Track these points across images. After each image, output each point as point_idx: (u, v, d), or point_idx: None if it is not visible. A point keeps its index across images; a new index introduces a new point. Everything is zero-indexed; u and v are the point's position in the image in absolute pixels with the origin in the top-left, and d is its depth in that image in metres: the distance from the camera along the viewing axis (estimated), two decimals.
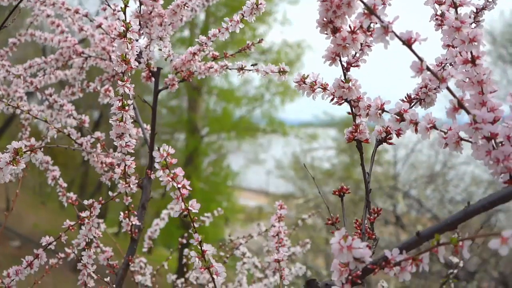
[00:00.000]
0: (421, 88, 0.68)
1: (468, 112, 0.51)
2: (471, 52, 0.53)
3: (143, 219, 1.01)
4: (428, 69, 0.50)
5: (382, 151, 9.20)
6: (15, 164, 0.67)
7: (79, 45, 1.19)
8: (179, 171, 0.62)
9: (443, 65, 0.68)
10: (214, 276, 0.64)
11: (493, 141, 0.52)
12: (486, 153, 0.51)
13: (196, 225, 0.66)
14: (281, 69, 0.82)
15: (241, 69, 0.94)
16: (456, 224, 0.50)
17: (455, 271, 1.14)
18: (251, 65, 0.94)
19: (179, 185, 0.62)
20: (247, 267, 1.28)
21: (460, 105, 0.51)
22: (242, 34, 9.96)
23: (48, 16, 1.20)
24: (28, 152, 0.66)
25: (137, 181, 0.90)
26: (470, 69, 0.54)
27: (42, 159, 1.14)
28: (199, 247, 0.64)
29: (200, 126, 11.30)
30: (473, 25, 0.73)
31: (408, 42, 0.50)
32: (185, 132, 11.10)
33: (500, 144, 0.51)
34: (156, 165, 0.62)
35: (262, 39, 0.97)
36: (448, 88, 0.51)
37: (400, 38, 0.50)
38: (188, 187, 0.62)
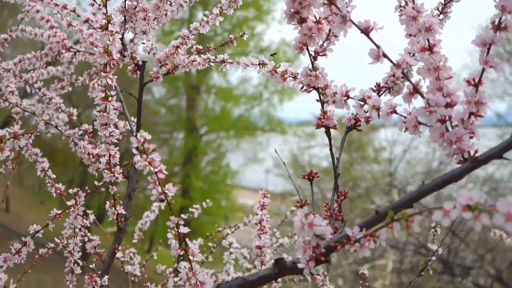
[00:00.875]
0: (389, 76, 0.71)
1: (422, 97, 0.54)
2: (428, 40, 0.56)
3: (129, 209, 1.03)
4: (384, 55, 0.53)
5: (380, 150, 9.24)
6: (0, 151, 0.70)
7: (68, 40, 1.22)
8: (156, 156, 0.65)
9: (411, 54, 0.71)
10: (191, 257, 0.67)
11: (448, 123, 0.55)
12: (440, 135, 0.54)
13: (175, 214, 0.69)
14: (261, 62, 0.85)
15: (222, 62, 0.97)
16: (411, 202, 0.53)
17: (433, 258, 1.16)
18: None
19: (156, 170, 0.65)
20: (233, 257, 1.31)
21: (415, 89, 0.54)
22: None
23: (37, 11, 1.23)
24: (12, 139, 0.69)
25: (121, 171, 0.93)
26: (427, 57, 0.56)
27: (32, 151, 1.17)
28: (176, 230, 0.67)
29: (198, 125, 11.33)
30: (441, 16, 0.76)
31: (366, 31, 0.53)
32: (184, 131, 11.14)
33: (455, 127, 0.54)
34: (134, 151, 0.65)
35: (244, 33, 1.00)
36: (403, 73, 0.54)
37: (358, 27, 0.53)
38: (165, 172, 0.65)
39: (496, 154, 0.50)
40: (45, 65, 1.21)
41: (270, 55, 0.79)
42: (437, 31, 0.55)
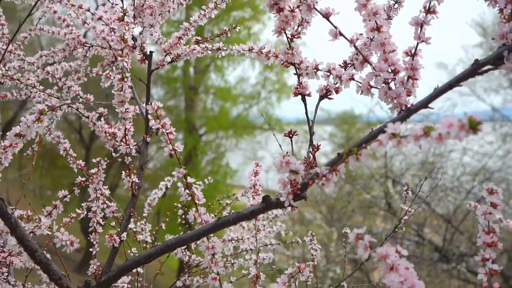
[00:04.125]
0: (353, 55, 0.87)
1: (371, 65, 0.71)
2: (376, 22, 0.73)
3: (142, 178, 1.20)
4: (341, 34, 0.70)
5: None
6: (39, 122, 0.87)
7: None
8: (167, 121, 0.82)
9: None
10: (196, 201, 0.84)
11: (392, 84, 0.72)
12: (384, 93, 0.70)
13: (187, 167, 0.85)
14: (250, 48, 1.01)
15: (218, 49, 1.14)
16: (369, 140, 0.69)
17: (406, 217, 1.33)
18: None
19: (168, 131, 0.82)
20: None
21: (365, 59, 0.71)
22: (237, 33, 10.16)
23: (55, 12, 1.40)
24: (50, 111, 0.85)
25: (135, 144, 1.10)
26: (376, 35, 0.73)
27: (54, 134, 1.34)
28: (184, 180, 0.84)
29: (197, 125, 11.48)
30: (396, 5, 0.92)
31: (326, 15, 0.70)
32: (183, 131, 11.29)
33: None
34: (150, 124, 0.81)
35: (237, 25, 1.17)
36: (355, 47, 0.70)
37: (320, 13, 0.70)
38: (174, 133, 0.82)
39: (424, 104, 0.67)
40: (63, 59, 1.38)
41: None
42: (383, 16, 0.72)
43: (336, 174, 0.69)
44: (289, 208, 0.74)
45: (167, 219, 1.68)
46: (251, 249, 1.36)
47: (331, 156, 11.15)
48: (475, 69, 0.64)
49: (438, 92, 0.65)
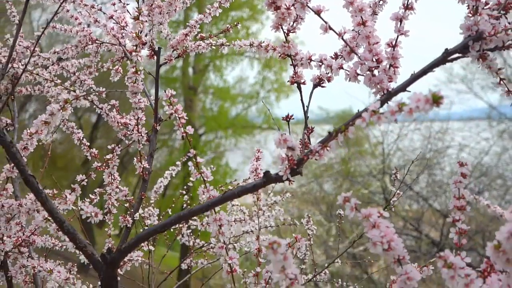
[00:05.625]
0: (343, 47, 0.98)
1: (357, 55, 0.81)
2: (361, 17, 0.83)
3: (151, 164, 1.30)
4: (330, 28, 0.80)
5: (377, 144, 9.54)
6: (63, 110, 0.97)
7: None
8: (179, 107, 0.92)
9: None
10: (205, 178, 0.94)
11: (376, 72, 0.82)
12: (369, 79, 0.81)
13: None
14: (251, 43, 1.12)
15: (222, 45, 1.24)
16: (348, 123, 0.79)
17: (395, 198, 1.43)
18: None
19: (180, 116, 0.92)
20: (235, 208, 1.58)
21: (351, 50, 0.81)
22: (236, 33, 10.27)
23: (68, 11, 1.50)
24: (75, 100, 0.96)
25: (147, 131, 1.20)
26: (362, 29, 0.84)
27: (68, 125, 1.44)
28: (195, 160, 0.94)
29: (197, 125, 11.59)
30: (381, 2, 1.03)
31: (318, 12, 0.80)
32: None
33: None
34: (162, 116, 0.92)
35: (238, 23, 1.28)
36: (343, 39, 0.81)
37: (312, 10, 0.80)
38: (185, 117, 0.92)
39: (402, 88, 0.77)
40: (76, 54, 1.48)
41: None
42: (368, 12, 0.83)
43: (327, 150, 0.80)
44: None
45: (173, 205, 1.78)
46: (251, 231, 1.46)
47: (330, 155, 11.26)
48: (445, 57, 0.74)
49: (414, 78, 0.76)
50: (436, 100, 0.57)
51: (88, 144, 1.40)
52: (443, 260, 0.61)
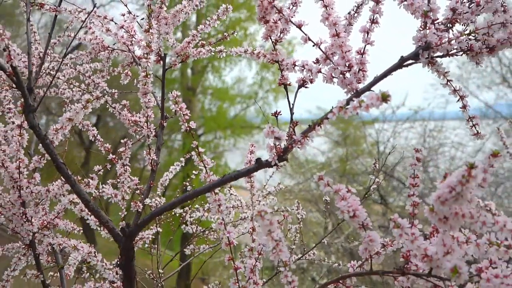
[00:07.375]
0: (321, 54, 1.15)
1: (331, 61, 0.99)
2: (335, 30, 1.01)
3: (159, 157, 1.48)
4: (309, 39, 0.98)
5: (374, 144, 9.72)
6: (85, 109, 1.15)
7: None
8: (183, 105, 1.10)
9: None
10: (206, 165, 1.11)
11: (348, 75, 1.00)
12: (341, 81, 0.98)
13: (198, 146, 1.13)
14: (246, 50, 1.29)
15: (220, 51, 1.42)
16: (324, 117, 0.97)
17: (374, 186, 1.60)
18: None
19: (184, 113, 1.09)
20: (233, 197, 1.76)
21: (327, 57, 0.99)
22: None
23: (82, 21, 1.67)
24: (95, 100, 1.13)
25: (155, 127, 1.38)
26: (336, 39, 1.01)
27: (84, 123, 1.61)
28: (197, 150, 1.11)
29: (196, 126, 11.75)
30: (356, 14, 1.20)
31: (299, 26, 0.98)
32: (181, 132, 11.55)
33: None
34: (170, 107, 1.09)
35: (234, 31, 1.45)
36: (320, 48, 0.98)
37: (294, 24, 0.97)
38: (189, 114, 1.10)
39: (367, 88, 0.94)
40: (90, 60, 1.66)
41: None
42: (342, 24, 1.00)
43: (308, 139, 0.97)
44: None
45: (177, 195, 1.95)
46: (247, 217, 1.63)
47: (329, 154, 11.47)
48: (401, 63, 0.92)
49: (376, 80, 0.93)
50: (384, 98, 0.75)
51: (102, 140, 1.57)
52: (393, 222, 0.79)
